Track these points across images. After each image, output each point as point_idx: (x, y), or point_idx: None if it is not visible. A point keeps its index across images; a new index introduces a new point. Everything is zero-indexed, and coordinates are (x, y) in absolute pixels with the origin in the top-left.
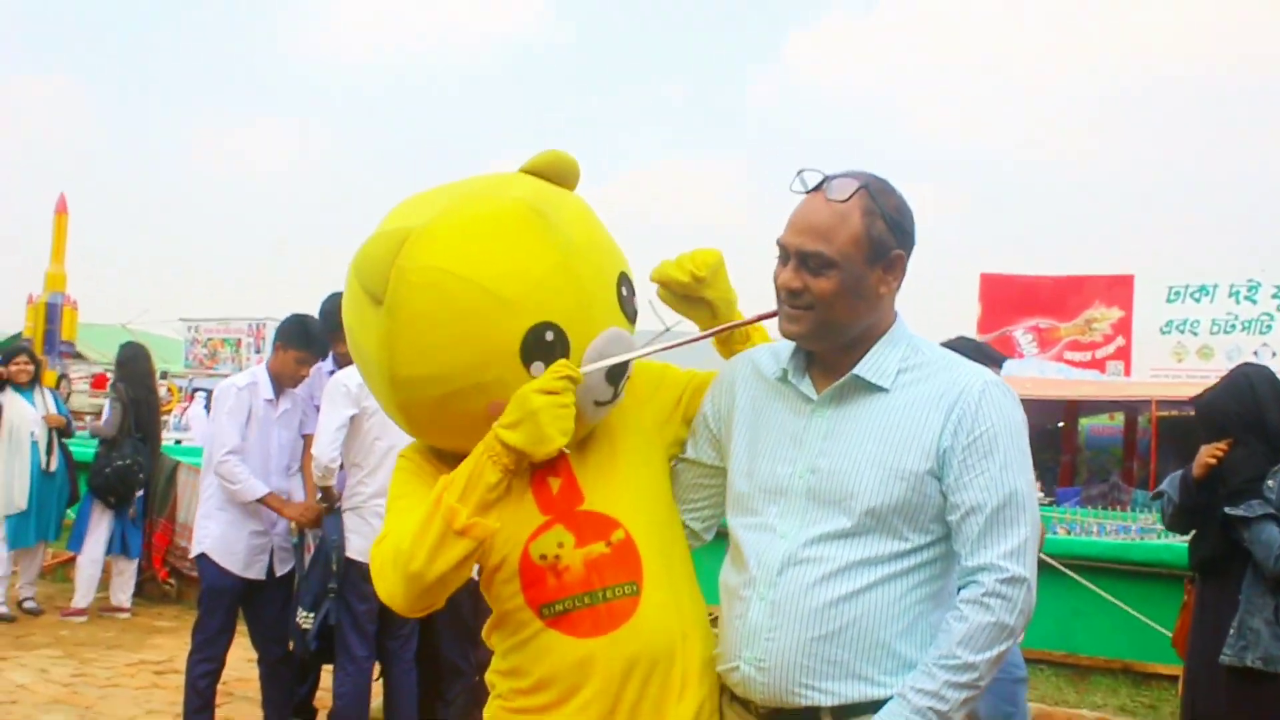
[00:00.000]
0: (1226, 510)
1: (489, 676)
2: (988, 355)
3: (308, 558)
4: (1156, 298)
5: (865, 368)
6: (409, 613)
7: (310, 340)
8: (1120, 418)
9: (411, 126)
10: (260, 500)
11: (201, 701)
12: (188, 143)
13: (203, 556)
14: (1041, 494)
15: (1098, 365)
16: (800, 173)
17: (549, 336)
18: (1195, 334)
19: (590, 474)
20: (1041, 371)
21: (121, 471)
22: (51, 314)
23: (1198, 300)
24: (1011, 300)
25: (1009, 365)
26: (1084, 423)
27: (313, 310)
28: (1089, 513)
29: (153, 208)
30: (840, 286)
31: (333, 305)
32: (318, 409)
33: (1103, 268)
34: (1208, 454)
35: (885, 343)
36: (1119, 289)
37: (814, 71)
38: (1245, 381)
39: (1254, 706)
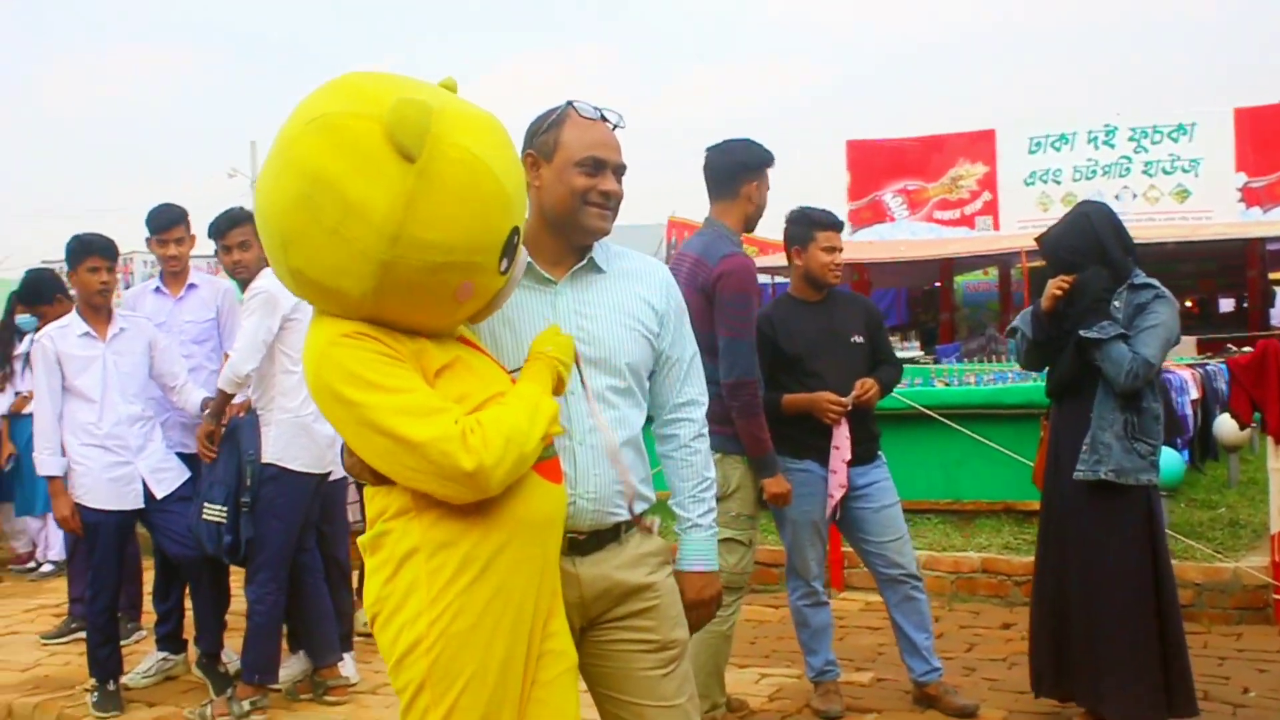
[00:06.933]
0: (1081, 333)
1: (421, 568)
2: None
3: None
4: (1019, 150)
5: (596, 255)
6: (493, 491)
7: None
8: (994, 272)
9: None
10: (46, 477)
11: (102, 637)
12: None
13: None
14: (922, 353)
15: (967, 222)
16: (574, 103)
17: (515, 240)
18: (1059, 183)
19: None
20: (913, 234)
21: None
22: None
23: (1058, 149)
24: (878, 165)
25: (880, 229)
26: (959, 280)
27: None
28: (968, 366)
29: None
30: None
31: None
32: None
33: (965, 125)
34: (1054, 286)
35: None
36: (982, 144)
37: None
38: (1085, 219)
39: (1104, 517)
